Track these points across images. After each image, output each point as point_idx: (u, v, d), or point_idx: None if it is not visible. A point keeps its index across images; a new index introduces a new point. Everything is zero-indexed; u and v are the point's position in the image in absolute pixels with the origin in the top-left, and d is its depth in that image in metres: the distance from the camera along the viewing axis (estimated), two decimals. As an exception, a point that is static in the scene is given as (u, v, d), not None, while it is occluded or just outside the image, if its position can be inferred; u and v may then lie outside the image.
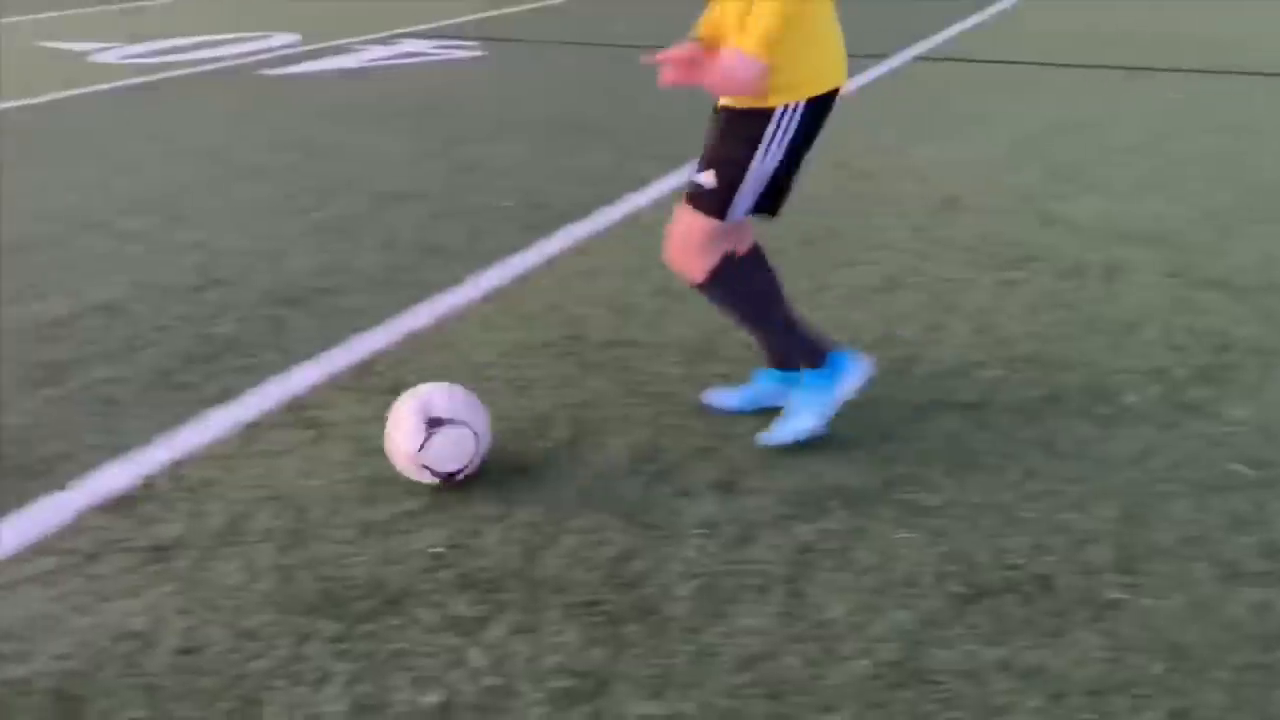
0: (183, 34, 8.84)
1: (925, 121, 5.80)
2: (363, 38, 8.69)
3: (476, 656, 1.88)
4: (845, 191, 4.53)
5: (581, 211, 4.31)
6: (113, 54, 8.15)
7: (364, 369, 2.98)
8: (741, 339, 3.10)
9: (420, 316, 3.33)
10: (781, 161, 2.26)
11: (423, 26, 9.32)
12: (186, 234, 4.10)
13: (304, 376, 2.94)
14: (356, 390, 2.86)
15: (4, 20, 9.85)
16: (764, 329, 2.51)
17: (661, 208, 4.35)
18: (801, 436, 2.47)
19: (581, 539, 2.20)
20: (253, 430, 2.66)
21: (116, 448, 2.57)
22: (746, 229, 2.45)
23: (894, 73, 7.13)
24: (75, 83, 7.03)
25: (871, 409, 2.64)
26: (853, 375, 2.47)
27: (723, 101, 2.29)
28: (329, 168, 5.03)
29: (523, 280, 3.64)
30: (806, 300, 3.35)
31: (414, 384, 2.94)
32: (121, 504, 2.36)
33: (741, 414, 2.64)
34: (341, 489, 2.40)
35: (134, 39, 8.65)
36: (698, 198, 2.30)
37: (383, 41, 8.64)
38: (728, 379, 2.82)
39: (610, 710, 1.76)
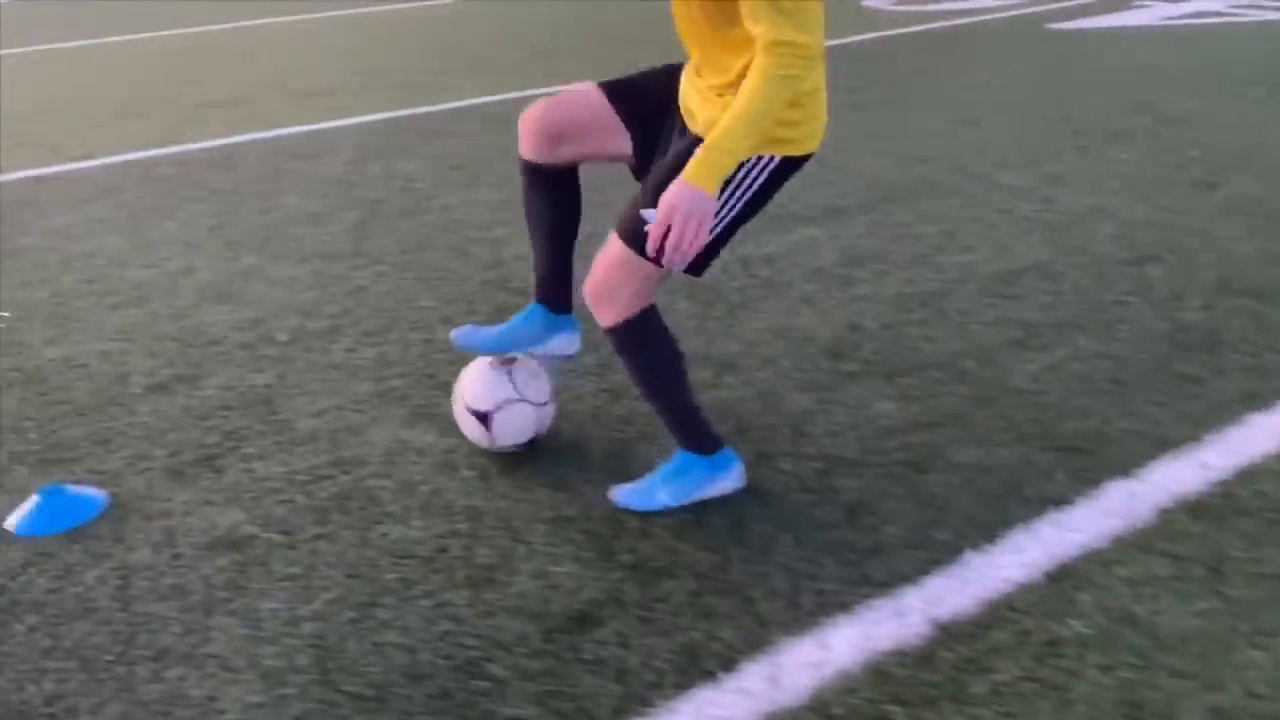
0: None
1: None
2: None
3: None
4: None
5: None
6: (883, 0, 8.38)
7: None
8: None
9: None
10: (738, 214, 1.99)
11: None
12: (1074, 197, 3.89)
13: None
14: None
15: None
16: (667, 398, 2.23)
17: None
18: (653, 510, 2.23)
19: None
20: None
21: (1149, 434, 2.38)
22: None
23: None
24: (864, 29, 7.30)
25: None
26: (730, 478, 2.26)
27: (697, 129, 1.98)
28: (1199, 138, 4.53)
29: None
30: None
31: None
32: (1198, 509, 2.14)
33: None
34: None
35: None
36: (638, 237, 1.97)
37: (1167, -2, 7.87)
38: None
39: None
